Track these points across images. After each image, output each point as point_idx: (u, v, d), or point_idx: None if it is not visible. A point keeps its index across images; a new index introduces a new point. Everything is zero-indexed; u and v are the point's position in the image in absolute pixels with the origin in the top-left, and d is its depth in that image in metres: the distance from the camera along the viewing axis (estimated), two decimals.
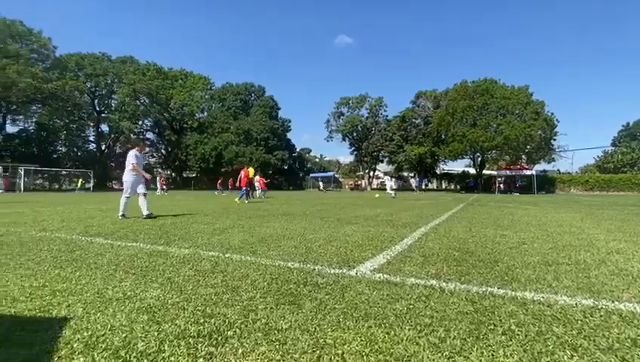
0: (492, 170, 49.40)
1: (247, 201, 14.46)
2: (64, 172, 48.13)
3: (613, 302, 2.30)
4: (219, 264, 3.21)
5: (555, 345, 1.67)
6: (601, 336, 1.77)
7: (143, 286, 2.51)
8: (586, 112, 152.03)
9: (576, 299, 2.33)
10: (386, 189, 26.15)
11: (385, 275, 2.85)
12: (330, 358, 1.51)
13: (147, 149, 53.76)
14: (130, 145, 7.72)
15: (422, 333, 1.78)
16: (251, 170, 19.75)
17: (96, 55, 51.67)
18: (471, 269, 3.11)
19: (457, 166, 56.91)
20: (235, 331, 1.74)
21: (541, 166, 46.41)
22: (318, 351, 1.56)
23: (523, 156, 43.25)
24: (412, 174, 53.65)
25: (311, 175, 61.40)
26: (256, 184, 19.53)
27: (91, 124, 53.67)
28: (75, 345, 1.57)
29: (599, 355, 1.58)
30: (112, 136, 54.65)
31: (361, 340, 1.67)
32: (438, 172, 57.40)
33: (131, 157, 7.43)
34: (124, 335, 1.69)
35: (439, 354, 1.56)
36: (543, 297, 2.37)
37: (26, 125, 48.53)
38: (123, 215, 7.24)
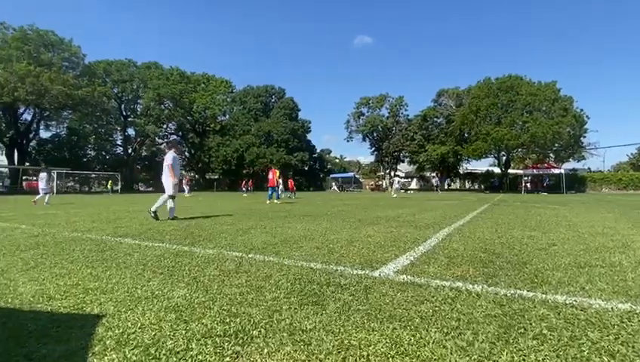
0: (518, 169, 48.03)
1: (276, 201, 14.67)
2: (93, 175, 49.98)
3: None
4: (242, 264, 3.25)
5: (591, 350, 1.60)
6: None
7: (170, 285, 2.58)
8: (618, 108, 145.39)
9: (611, 303, 2.23)
10: (407, 190, 25.86)
11: (409, 277, 2.81)
12: (356, 360, 1.50)
13: (183, 150, 55.28)
14: (168, 147, 7.85)
15: (449, 336, 1.75)
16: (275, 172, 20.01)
17: (123, 61, 53.48)
18: (498, 271, 3.03)
19: (481, 165, 55.66)
20: (260, 330, 1.76)
21: (570, 164, 44.73)
22: (343, 353, 1.56)
23: (551, 154, 41.84)
24: (434, 174, 52.74)
25: (331, 175, 61.48)
26: (280, 186, 19.77)
27: (118, 128, 55.54)
28: (107, 342, 1.63)
29: None
30: (138, 139, 56.34)
31: (387, 342, 1.66)
32: (461, 171, 56.26)
33: (168, 158, 7.54)
34: (153, 333, 1.74)
35: (467, 358, 1.53)
36: (575, 301, 2.28)
37: (58, 130, 50.73)
38: (175, 217, 7.42)
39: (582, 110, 37.44)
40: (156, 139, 57.35)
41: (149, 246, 4.20)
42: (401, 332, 1.77)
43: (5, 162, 44.83)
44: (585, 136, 39.38)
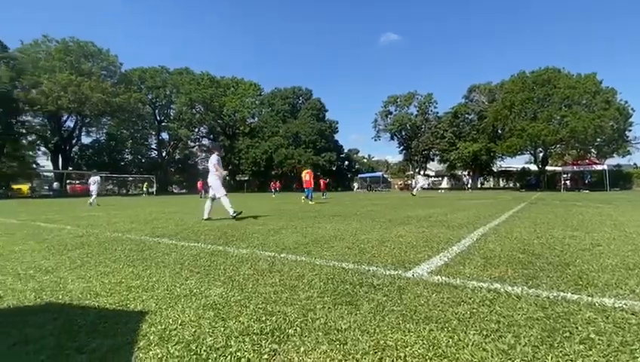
0: (556, 165, 45.86)
1: (310, 202, 14.83)
2: (130, 178, 52.28)
3: None
4: (275, 264, 3.30)
5: None
6: None
7: (207, 284, 2.65)
8: None
9: None
10: (438, 189, 25.29)
11: (443, 278, 2.75)
12: (393, 360, 1.49)
13: (223, 153, 56.85)
14: (211, 150, 8.11)
15: (489, 339, 1.69)
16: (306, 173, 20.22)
17: (156, 68, 55.69)
18: (539, 272, 2.91)
19: (516, 162, 53.62)
20: (295, 329, 1.78)
21: (614, 160, 42.15)
22: (379, 353, 1.55)
23: (592, 150, 39.70)
24: (465, 172, 51.31)
25: (359, 175, 61.15)
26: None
27: (153, 132, 57.91)
28: (151, 338, 1.71)
29: None
30: (172, 143, 58.44)
31: (424, 343, 1.63)
32: (495, 169, 54.39)
33: (215, 160, 7.74)
34: (193, 330, 1.80)
35: None
36: (625, 304, 2.15)
37: (98, 136, 53.57)
38: (235, 215, 7.58)
39: (626, 102, 35.36)
40: (188, 142, 59.29)
41: (185, 246, 4.34)
42: (439, 334, 1.73)
43: (51, 167, 47.77)
44: (630, 130, 37.10)
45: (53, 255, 3.87)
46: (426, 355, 1.54)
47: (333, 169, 58.91)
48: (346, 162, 67.33)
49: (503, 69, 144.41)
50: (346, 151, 69.58)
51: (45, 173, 49.19)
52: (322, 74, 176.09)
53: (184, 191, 56.18)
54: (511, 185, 54.02)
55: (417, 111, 57.51)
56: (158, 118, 57.97)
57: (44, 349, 1.60)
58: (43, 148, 48.45)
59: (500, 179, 58.44)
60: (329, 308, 2.10)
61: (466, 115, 51.62)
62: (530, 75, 39.36)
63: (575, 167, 37.64)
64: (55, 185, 41.43)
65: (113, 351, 1.58)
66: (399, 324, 1.85)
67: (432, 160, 59.95)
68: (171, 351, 1.56)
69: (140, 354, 1.54)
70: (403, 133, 58.80)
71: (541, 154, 42.98)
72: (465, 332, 1.76)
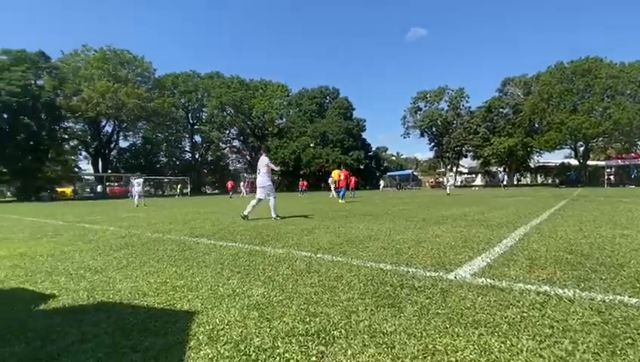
0: (598, 160, 43.36)
1: (341, 201, 14.88)
2: (166, 179, 54.20)
3: None
4: (312, 264, 3.31)
5: None
6: None
7: (248, 283, 2.70)
8: None
9: None
10: (472, 186, 24.51)
11: (488, 280, 2.66)
12: None
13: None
14: (261, 153, 8.31)
15: (543, 344, 1.62)
16: (336, 172, 20.26)
17: (188, 73, 57.49)
18: (590, 274, 2.75)
19: (555, 157, 51.24)
20: (340, 331, 1.77)
21: None
22: (429, 357, 1.51)
23: (638, 142, 37.20)
24: (501, 169, 49.51)
25: (388, 174, 60.41)
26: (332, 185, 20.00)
27: (186, 135, 59.82)
28: (200, 337, 1.75)
29: None
30: (204, 145, 60.10)
31: (474, 348, 1.58)
32: (532, 165, 52.17)
33: (267, 161, 7.86)
34: (240, 330, 1.83)
35: None
36: None
37: (135, 140, 55.94)
38: (278, 215, 7.75)
39: None
40: (220, 144, 60.80)
41: (224, 246, 4.44)
42: (489, 339, 1.67)
43: (91, 170, 50.40)
44: None
45: (100, 255, 4.06)
46: (478, 361, 1.48)
47: (361, 168, 58.49)
48: (374, 160, 66.67)
49: (538, 61, 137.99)
50: (374, 149, 68.96)
51: (86, 177, 51.95)
52: (349, 73, 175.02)
53: (216, 191, 57.63)
54: (549, 181, 51.71)
55: (448, 106, 56.08)
56: (191, 121, 59.81)
57: (101, 347, 1.68)
58: (84, 153, 51.26)
59: (538, 175, 56.04)
60: (371, 310, 2.08)
61: (501, 109, 49.80)
62: (569, 65, 37.51)
63: (619, 161, 35.45)
64: (99, 187, 43.78)
65: (166, 350, 1.62)
66: (446, 328, 1.80)
67: (465, 156, 58.28)
68: (221, 352, 1.59)
69: (192, 354, 1.58)
70: (433, 130, 57.52)
71: (582, 148, 40.83)
72: (517, 337, 1.69)
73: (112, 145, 52.75)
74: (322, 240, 4.74)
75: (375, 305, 2.16)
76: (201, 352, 1.59)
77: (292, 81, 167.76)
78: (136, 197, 16.67)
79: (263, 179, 7.84)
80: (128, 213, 11.94)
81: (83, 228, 7.01)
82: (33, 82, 38.47)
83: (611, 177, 36.29)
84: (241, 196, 29.89)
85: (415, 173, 61.38)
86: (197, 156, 61.25)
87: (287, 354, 1.55)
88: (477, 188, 37.71)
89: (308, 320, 1.94)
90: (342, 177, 15.53)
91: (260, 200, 7.92)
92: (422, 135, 58.92)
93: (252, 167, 63.55)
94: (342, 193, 15.54)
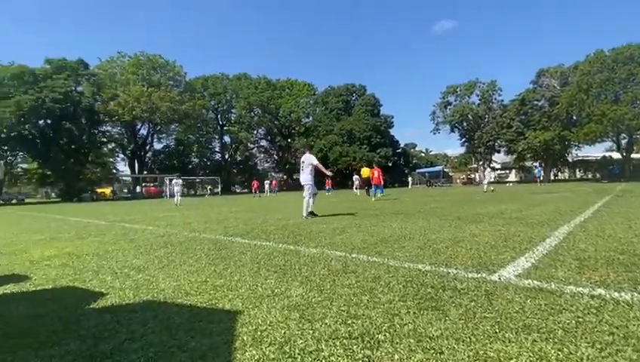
0: None
1: (373, 199, 14.85)
2: (197, 179, 55.73)
3: None
4: (348, 264, 3.28)
5: None
6: None
7: (286, 284, 2.70)
8: None
9: None
10: (506, 183, 23.61)
11: (535, 282, 2.53)
12: None
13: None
14: (305, 150, 8.44)
15: (604, 353, 1.51)
16: (365, 170, 20.16)
17: (217, 75, 58.79)
18: None
19: (595, 151, 48.45)
20: (385, 335, 1.73)
21: None
22: None
23: None
24: (536, 164, 47.42)
25: (417, 171, 59.24)
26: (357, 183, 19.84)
27: (216, 136, 61.23)
28: (244, 338, 1.76)
29: None
30: (233, 145, 61.27)
31: (530, 356, 1.50)
32: (570, 159, 49.66)
33: (313, 160, 7.98)
34: (282, 331, 1.83)
35: None
36: None
37: (168, 141, 57.86)
38: (306, 216, 7.82)
39: None
40: (248, 144, 61.82)
41: (258, 245, 4.49)
42: (544, 346, 1.58)
43: (128, 172, 52.66)
44: None
45: (142, 254, 4.21)
46: None
47: (389, 165, 57.68)
48: (403, 157, 65.59)
49: (575, 50, 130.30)
50: (402, 146, 67.87)
51: (124, 178, 54.31)
52: (375, 69, 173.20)
53: (245, 190, 58.68)
54: (589, 176, 49.07)
55: (480, 100, 54.21)
56: (220, 122, 61.15)
57: (150, 346, 1.72)
58: (121, 155, 53.69)
59: (577, 170, 53.33)
60: (414, 313, 2.02)
61: (535, 102, 47.57)
62: (610, 53, 35.37)
63: None
64: (138, 188, 45.75)
65: (212, 349, 1.65)
66: (496, 333, 1.72)
67: (498, 151, 56.23)
68: (266, 353, 1.59)
69: (238, 355, 1.59)
70: (464, 125, 55.82)
71: (625, 141, 38.44)
72: (575, 344, 1.59)
73: (147, 147, 54.80)
74: (355, 239, 4.70)
75: (417, 307, 2.11)
76: (247, 353, 1.60)
77: (318, 79, 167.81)
78: (176, 196, 17.83)
79: (306, 176, 7.93)
80: (164, 212, 12.36)
81: (124, 228, 7.31)
82: (74, 89, 40.59)
83: None
84: (265, 195, 30.31)
85: (445, 170, 59.89)
86: (226, 156, 62.54)
87: (332, 358, 1.53)
88: (511, 185, 36.35)
89: (350, 322, 1.91)
90: (376, 175, 15.49)
91: (315, 194, 8.06)
92: (452, 130, 57.35)
93: (279, 166, 64.31)
94: (375, 191, 15.58)
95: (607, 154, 46.86)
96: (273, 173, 65.70)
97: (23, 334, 1.93)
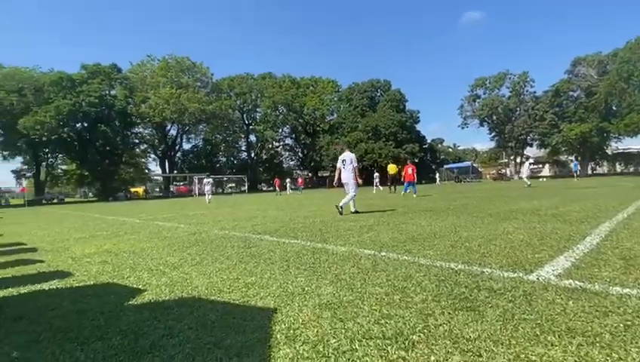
0: None
1: (415, 195, 14.83)
2: (225, 178, 56.94)
3: None
4: (378, 263, 3.25)
5: None
6: None
7: (316, 282, 2.71)
8: None
9: None
10: (539, 177, 22.67)
11: (577, 282, 2.41)
12: None
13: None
14: (345, 149, 8.56)
15: None
16: (392, 167, 19.93)
17: (242, 76, 59.71)
18: None
19: (637, 143, 45.70)
20: (419, 336, 1.70)
21: None
22: None
23: None
24: (572, 157, 45.32)
25: (445, 166, 57.97)
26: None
27: (242, 136, 62.28)
28: (278, 336, 1.78)
29: None
30: (259, 144, 62.11)
31: (576, 361, 1.43)
32: (609, 152, 47.14)
33: (355, 161, 8.16)
34: (315, 330, 1.83)
35: None
36: None
37: (196, 142, 59.43)
38: (357, 210, 8.08)
39: None
40: (273, 143, 62.49)
41: (287, 243, 4.53)
42: (591, 350, 1.50)
43: (159, 171, 54.51)
44: None
45: (175, 251, 4.34)
46: None
47: (416, 161, 56.69)
48: (430, 153, 64.32)
49: (614, 37, 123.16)
50: (429, 141, 66.57)
51: (155, 177, 56.28)
52: (400, 64, 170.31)
53: (271, 188, 59.41)
54: (631, 169, 46.45)
55: (510, 92, 52.39)
56: (246, 121, 62.12)
57: (187, 342, 1.77)
58: (152, 155, 55.64)
59: (617, 164, 50.60)
60: (449, 313, 1.98)
61: (571, 92, 45.49)
62: None
63: None
64: (171, 187, 47.38)
65: (247, 347, 1.67)
66: (537, 336, 1.65)
67: (530, 145, 54.21)
68: (300, 352, 1.60)
69: (272, 353, 1.60)
70: (494, 118, 54.14)
71: None
72: (625, 350, 1.50)
73: (177, 148, 56.54)
74: (384, 237, 4.65)
75: (452, 308, 2.05)
76: (281, 352, 1.61)
77: (342, 76, 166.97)
78: (207, 195, 18.74)
79: (348, 175, 8.04)
80: (194, 210, 12.70)
81: (157, 226, 7.57)
82: (108, 92, 42.39)
83: None
84: (286, 193, 30.58)
85: (475, 165, 58.28)
86: (252, 155, 63.49)
87: (366, 358, 1.52)
88: (545, 180, 34.89)
89: (382, 322, 1.89)
90: (410, 171, 15.32)
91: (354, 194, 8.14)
92: (481, 124, 55.85)
93: (304, 164, 64.58)
94: (407, 187, 15.42)
95: None
96: (298, 171, 66.09)
97: (69, 328, 2.03)
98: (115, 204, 28.10)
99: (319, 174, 63.70)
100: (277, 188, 33.00)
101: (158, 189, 54.73)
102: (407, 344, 1.63)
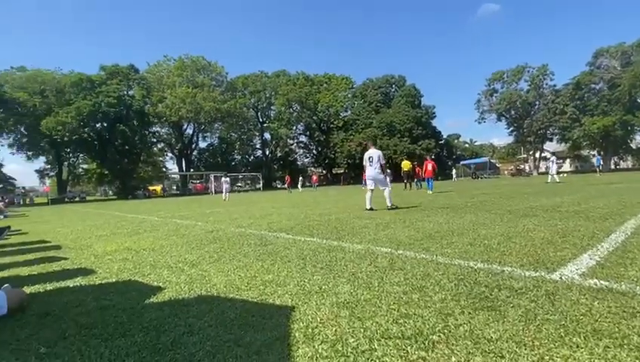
0: None
1: (429, 191, 14.79)
2: (240, 176, 57.50)
3: None
4: (395, 261, 3.22)
5: None
6: None
7: (333, 280, 2.71)
8: None
9: None
10: (559, 173, 22.08)
11: (602, 281, 2.34)
12: None
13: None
14: (370, 146, 8.65)
15: None
16: (406, 163, 19.77)
17: (256, 74, 60.05)
18: None
19: None
20: (439, 336, 1.68)
21: None
22: None
23: None
24: (594, 152, 43.99)
25: (461, 162, 57.07)
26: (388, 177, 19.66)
27: (257, 134, 62.71)
28: (296, 335, 1.78)
29: None
30: (273, 142, 62.43)
31: None
32: (634, 146, 45.54)
33: (382, 157, 8.26)
34: (333, 329, 1.83)
35: None
36: None
37: (212, 140, 60.13)
38: (393, 205, 8.18)
39: None
40: (287, 140, 62.70)
41: (302, 241, 4.54)
42: (619, 353, 1.45)
43: (176, 170, 55.42)
44: None
45: (193, 249, 4.41)
46: None
47: (432, 157, 55.99)
48: (446, 149, 63.43)
49: (638, 26, 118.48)
50: (444, 137, 65.63)
51: (172, 175, 57.26)
52: (415, 58, 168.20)
53: (285, 186, 59.75)
54: None
55: (529, 85, 51.12)
56: (261, 119, 62.51)
57: (207, 340, 1.79)
58: (170, 154, 56.62)
59: None
60: (469, 313, 1.95)
61: (593, 85, 44.10)
62: None
63: None
64: (189, 184, 48.18)
65: (266, 346, 1.68)
66: (562, 337, 1.61)
67: (550, 140, 52.83)
68: (319, 351, 1.60)
69: (291, 352, 1.61)
70: (512, 112, 52.97)
71: None
72: None
73: (193, 146, 57.36)
74: (400, 235, 4.62)
75: (472, 307, 2.02)
76: (300, 350, 1.61)
77: (356, 72, 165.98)
78: (225, 193, 19.88)
79: (376, 172, 8.12)
80: (211, 208, 12.87)
81: (175, 224, 7.70)
82: (126, 93, 43.27)
83: None
84: (298, 190, 30.64)
85: (492, 161, 57.20)
86: (267, 153, 63.88)
87: (385, 358, 1.51)
88: (565, 175, 33.99)
89: (401, 321, 1.88)
90: (430, 168, 15.19)
91: (372, 190, 8.30)
92: (499, 119, 54.74)
93: (318, 161, 64.58)
94: (429, 184, 15.34)
95: None
96: (312, 168, 66.18)
97: (93, 325, 2.08)
98: (134, 201, 28.72)
99: (333, 171, 63.63)
100: (289, 186, 33.22)
101: (175, 187, 55.69)
102: (427, 344, 1.61)
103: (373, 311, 2.05)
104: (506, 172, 52.96)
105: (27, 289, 2.83)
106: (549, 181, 18.64)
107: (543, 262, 2.91)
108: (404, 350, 1.57)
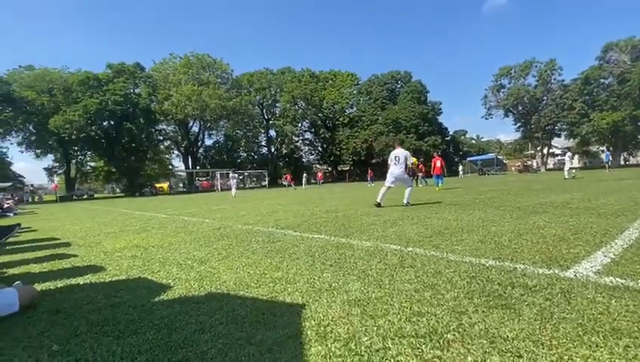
0: None
1: (437, 188, 14.77)
2: (246, 173, 57.68)
3: None
4: (405, 258, 3.19)
5: None
6: None
7: (343, 278, 2.69)
8: None
9: None
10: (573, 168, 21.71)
11: (618, 279, 2.30)
12: None
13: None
14: (397, 146, 8.74)
15: None
16: (413, 160, 19.66)
17: (262, 71, 60.06)
18: None
19: None
20: (454, 334, 1.65)
21: None
22: None
23: None
24: (603, 148, 43.44)
25: (468, 159, 56.68)
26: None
27: (262, 131, 62.83)
28: (308, 333, 1.76)
29: None
30: (279, 139, 62.46)
31: None
32: None
33: (409, 157, 8.44)
34: (346, 327, 1.81)
35: None
36: None
37: (218, 137, 60.31)
38: (409, 202, 8.25)
39: None
40: (293, 137, 62.70)
41: (310, 238, 4.52)
42: None
43: (183, 167, 55.67)
44: None
45: (202, 246, 4.41)
46: None
47: (439, 153, 55.70)
48: (452, 145, 63.01)
49: None
50: (451, 133, 65.20)
51: (179, 173, 57.58)
52: (421, 54, 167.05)
53: (285, 184, 59.77)
54: None
55: (537, 81, 50.51)
56: (266, 116, 62.60)
57: (219, 338, 1.78)
58: (176, 152, 56.94)
59: None
60: (483, 311, 1.91)
61: (602, 80, 43.46)
62: None
63: None
64: (196, 182, 48.47)
65: (278, 344, 1.66)
66: (580, 336, 1.58)
67: (558, 135, 52.26)
68: (332, 349, 1.58)
69: (303, 350, 1.59)
70: (519, 108, 52.41)
71: None
72: None
73: (199, 144, 57.59)
74: (409, 232, 4.58)
75: (486, 305, 1.99)
76: (313, 349, 1.60)
77: (362, 68, 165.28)
78: (233, 189, 20.34)
79: (400, 170, 8.27)
80: (217, 205, 12.91)
81: (183, 221, 7.72)
82: (132, 91, 43.52)
83: None
84: (301, 188, 30.68)
85: (499, 157, 56.72)
86: (272, 150, 63.95)
87: (400, 357, 1.49)
88: (574, 171, 33.62)
89: (414, 319, 1.85)
90: (438, 164, 15.13)
91: (389, 187, 8.45)
92: (506, 115, 54.21)
93: (323, 158, 64.48)
94: (437, 181, 15.26)
95: None
96: (318, 165, 66.14)
97: (105, 322, 2.08)
98: (142, 199, 28.90)
99: (339, 168, 63.52)
100: (291, 184, 33.29)
101: (181, 185, 55.98)
102: (442, 343, 1.58)
103: (385, 309, 2.02)
104: (513, 168, 52.45)
105: (38, 287, 2.85)
106: (566, 177, 18.34)
107: (556, 259, 2.87)
108: (418, 349, 1.54)
